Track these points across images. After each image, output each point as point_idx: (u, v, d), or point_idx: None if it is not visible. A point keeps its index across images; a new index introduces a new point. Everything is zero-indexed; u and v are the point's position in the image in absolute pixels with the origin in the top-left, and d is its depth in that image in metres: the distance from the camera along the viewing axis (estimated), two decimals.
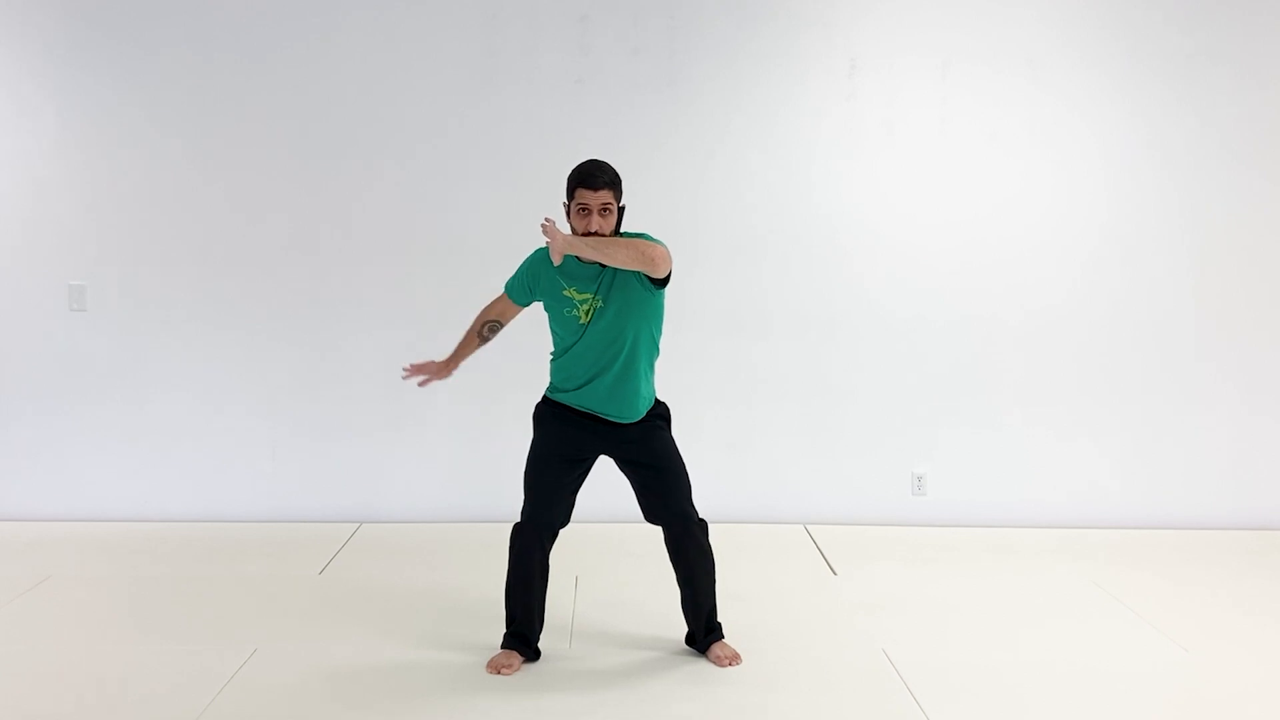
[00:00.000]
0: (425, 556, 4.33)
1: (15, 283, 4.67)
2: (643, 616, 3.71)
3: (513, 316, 3.48)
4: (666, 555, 3.88)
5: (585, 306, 3.21)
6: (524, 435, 4.74)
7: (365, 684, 3.15)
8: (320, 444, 4.76)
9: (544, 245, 3.25)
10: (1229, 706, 3.08)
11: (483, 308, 3.50)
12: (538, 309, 3.40)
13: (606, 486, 4.74)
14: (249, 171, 4.64)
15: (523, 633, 3.28)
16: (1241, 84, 4.66)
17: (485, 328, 3.49)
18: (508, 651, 3.26)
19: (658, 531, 3.52)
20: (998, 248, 4.73)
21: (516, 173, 4.65)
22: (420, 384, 3.51)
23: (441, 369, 3.49)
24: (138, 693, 3.07)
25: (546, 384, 3.44)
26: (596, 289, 3.18)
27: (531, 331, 4.72)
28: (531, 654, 3.29)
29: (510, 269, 4.65)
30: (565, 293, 3.22)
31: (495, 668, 3.22)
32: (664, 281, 3.17)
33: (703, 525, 3.30)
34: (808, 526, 4.78)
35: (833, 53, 4.64)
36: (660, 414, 3.34)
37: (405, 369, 3.48)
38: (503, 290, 3.43)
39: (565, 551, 4.38)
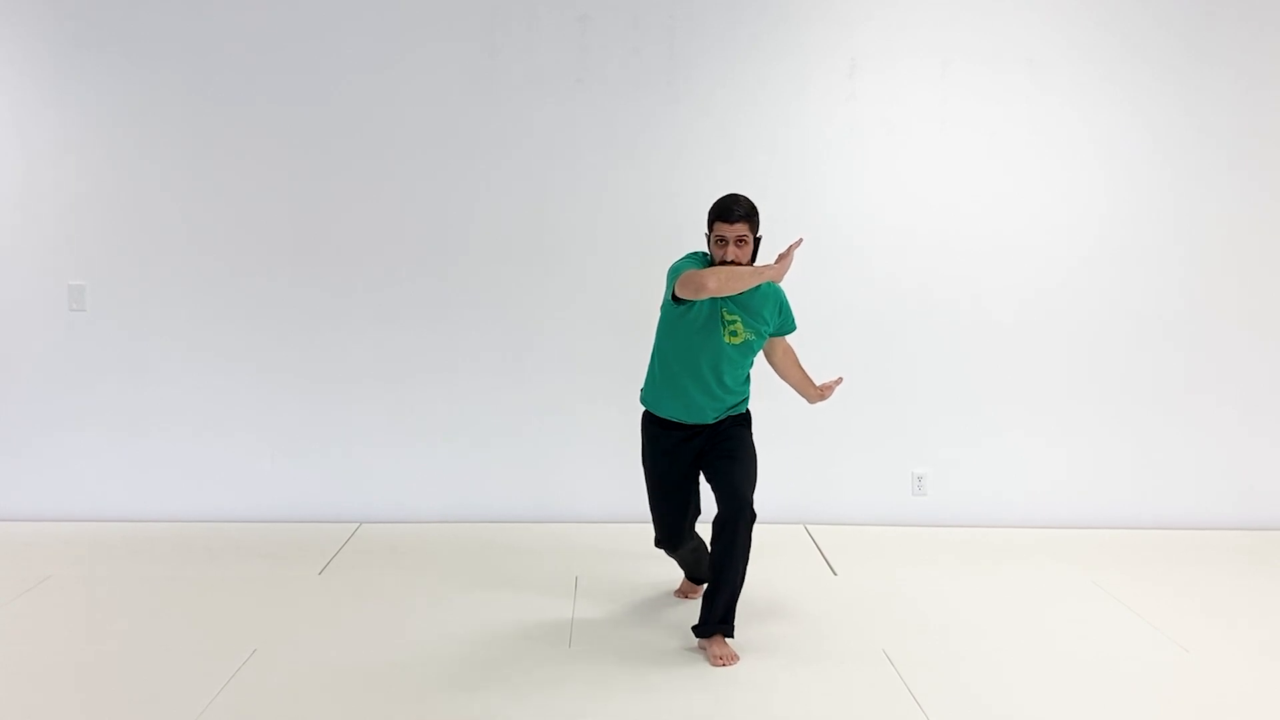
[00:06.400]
0: (425, 556, 4.33)
1: (15, 283, 4.67)
2: (643, 616, 3.71)
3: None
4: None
5: (734, 327, 3.42)
6: (521, 434, 4.77)
7: (365, 684, 3.15)
8: (320, 444, 4.76)
9: (693, 252, 3.46)
10: (1229, 706, 3.08)
11: (706, 273, 3.24)
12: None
13: (606, 486, 4.76)
14: (249, 172, 4.64)
15: (693, 575, 3.87)
16: (1241, 85, 4.66)
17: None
18: (686, 583, 3.94)
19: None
20: (997, 247, 4.73)
21: (516, 172, 4.65)
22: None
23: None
24: (138, 693, 3.07)
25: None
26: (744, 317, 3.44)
27: (529, 331, 4.74)
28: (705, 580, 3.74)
29: (508, 267, 4.70)
30: (720, 311, 3.40)
31: (682, 594, 3.91)
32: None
33: (753, 515, 3.38)
34: (808, 526, 4.78)
35: (833, 53, 4.64)
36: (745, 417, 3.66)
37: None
38: (687, 268, 3.33)
39: (565, 551, 4.40)
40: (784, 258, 3.33)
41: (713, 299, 3.37)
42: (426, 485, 4.78)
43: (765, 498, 4.80)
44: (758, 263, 3.43)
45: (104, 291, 4.67)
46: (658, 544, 3.67)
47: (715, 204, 3.39)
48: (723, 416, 3.52)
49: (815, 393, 3.64)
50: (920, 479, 4.82)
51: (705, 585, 3.62)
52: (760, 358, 3.67)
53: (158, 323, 4.69)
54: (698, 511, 3.65)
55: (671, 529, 3.62)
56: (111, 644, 3.41)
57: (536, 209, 4.68)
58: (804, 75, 4.64)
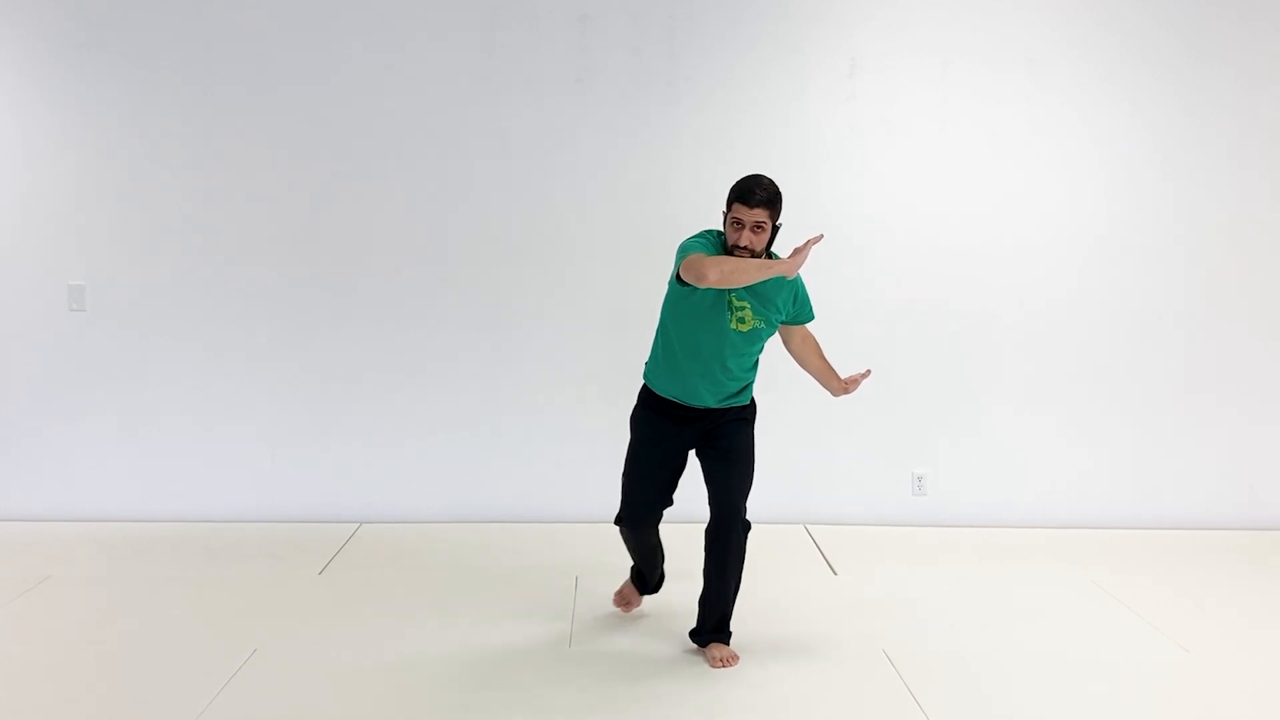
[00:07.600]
0: (425, 556, 4.33)
1: (15, 283, 4.67)
2: (643, 616, 3.71)
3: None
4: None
5: (742, 314, 3.25)
6: (521, 434, 4.77)
7: (365, 684, 3.15)
8: (320, 444, 4.76)
9: (707, 230, 3.28)
10: (1229, 706, 3.08)
11: (709, 261, 3.08)
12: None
13: (606, 486, 4.75)
14: (249, 171, 4.64)
15: (640, 580, 3.67)
16: (1241, 85, 4.67)
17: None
18: (630, 585, 3.70)
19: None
20: (997, 248, 4.73)
21: (516, 173, 4.65)
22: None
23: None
24: (138, 693, 3.07)
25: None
26: (753, 302, 3.26)
27: (529, 331, 4.74)
28: (650, 590, 3.69)
29: (508, 268, 4.69)
30: (728, 296, 3.22)
31: (621, 600, 3.70)
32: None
33: (746, 525, 3.33)
34: (808, 526, 4.78)
35: (833, 53, 4.64)
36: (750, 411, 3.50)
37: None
38: (695, 252, 3.14)
39: (565, 551, 4.40)
40: (799, 253, 3.09)
41: None
42: (426, 485, 4.78)
43: (766, 497, 4.81)
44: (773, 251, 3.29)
45: (104, 291, 4.67)
46: (617, 521, 3.50)
47: (737, 183, 3.17)
48: (724, 404, 3.33)
49: (839, 385, 3.41)
50: (920, 479, 4.82)
51: (646, 596, 3.68)
52: (779, 345, 3.50)
53: (158, 322, 4.69)
54: (669, 502, 3.48)
55: (635, 506, 3.45)
56: (111, 644, 3.41)
57: (536, 209, 4.68)
58: (804, 75, 4.64)
